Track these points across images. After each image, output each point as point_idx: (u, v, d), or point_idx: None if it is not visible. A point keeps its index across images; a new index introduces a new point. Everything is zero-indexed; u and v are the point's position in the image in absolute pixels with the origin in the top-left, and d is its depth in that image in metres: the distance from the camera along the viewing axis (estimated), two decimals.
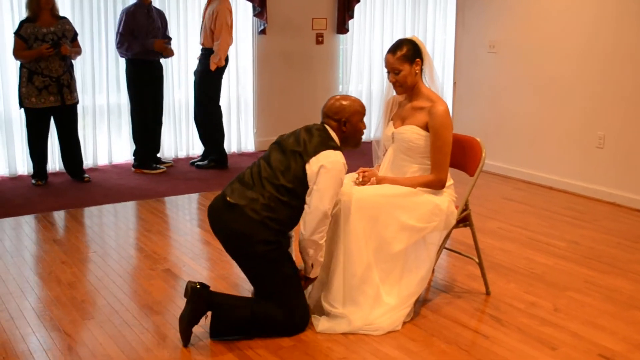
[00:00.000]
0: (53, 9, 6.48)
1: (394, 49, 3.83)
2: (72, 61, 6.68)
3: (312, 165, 3.43)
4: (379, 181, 3.78)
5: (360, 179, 3.79)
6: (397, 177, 3.83)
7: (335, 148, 3.51)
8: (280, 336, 3.53)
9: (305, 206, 3.45)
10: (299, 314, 3.56)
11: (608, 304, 4.02)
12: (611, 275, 4.47)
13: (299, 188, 3.47)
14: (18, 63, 6.55)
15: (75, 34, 6.65)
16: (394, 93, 3.99)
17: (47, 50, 6.29)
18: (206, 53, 7.23)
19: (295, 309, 3.54)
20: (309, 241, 3.43)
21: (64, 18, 6.61)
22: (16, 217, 5.68)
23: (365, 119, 3.72)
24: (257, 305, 3.55)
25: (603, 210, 5.99)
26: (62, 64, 6.48)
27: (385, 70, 3.88)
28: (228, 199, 3.51)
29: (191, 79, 7.59)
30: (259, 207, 3.44)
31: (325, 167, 3.41)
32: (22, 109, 6.58)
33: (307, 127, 3.63)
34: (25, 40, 6.35)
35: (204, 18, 7.28)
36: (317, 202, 3.40)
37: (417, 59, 3.80)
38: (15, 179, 7.00)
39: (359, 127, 3.64)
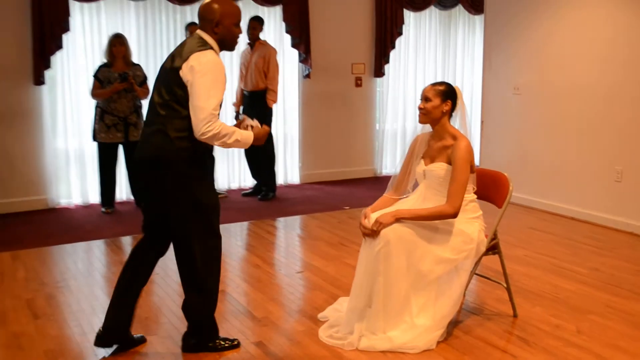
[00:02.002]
0: (126, 57, 6.66)
1: (435, 82, 3.88)
2: (141, 102, 6.83)
3: (184, 70, 3.20)
4: (396, 214, 3.65)
5: (376, 228, 3.61)
6: (411, 208, 3.74)
7: (206, 48, 3.26)
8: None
9: (192, 112, 3.19)
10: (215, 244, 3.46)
11: (628, 327, 3.93)
12: (631, 300, 4.37)
13: (185, 95, 3.22)
14: (92, 104, 6.74)
15: (145, 79, 6.80)
16: (422, 130, 4.00)
17: (119, 84, 6.50)
18: (258, 94, 7.28)
19: (214, 248, 3.45)
20: (206, 138, 3.19)
21: (137, 65, 6.79)
22: (88, 241, 5.78)
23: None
24: None
25: (622, 239, 5.88)
26: (130, 105, 6.64)
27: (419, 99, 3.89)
28: (139, 142, 3.43)
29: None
30: (164, 129, 3.25)
31: (195, 67, 3.17)
32: (95, 143, 6.78)
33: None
34: (101, 82, 6.56)
35: (248, 64, 7.33)
36: (194, 101, 3.17)
37: (449, 100, 3.80)
38: (88, 207, 7.14)
39: (233, 31, 3.36)
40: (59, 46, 6.86)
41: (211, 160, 7.40)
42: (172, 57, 3.36)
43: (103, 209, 6.86)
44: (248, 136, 3.34)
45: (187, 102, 3.22)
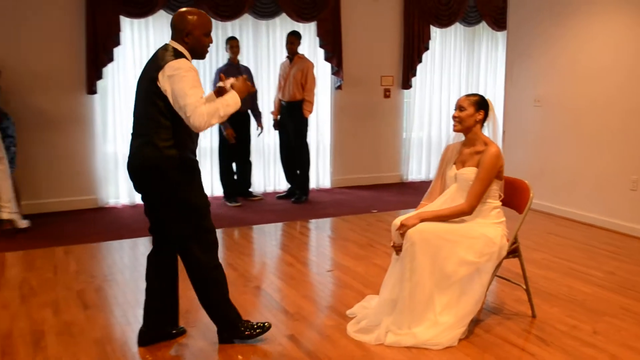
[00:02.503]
0: None
1: (469, 94, 3.89)
2: None
3: (162, 81, 3.16)
4: (419, 215, 3.68)
5: (402, 232, 3.67)
6: (431, 210, 3.76)
7: (177, 57, 3.20)
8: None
9: (181, 114, 3.14)
10: (212, 238, 3.48)
11: None
12: None
13: (166, 106, 3.20)
14: None
15: None
16: (453, 141, 4.00)
17: None
18: (295, 105, 7.33)
19: (207, 237, 3.45)
20: (204, 127, 3.13)
21: None
22: (134, 238, 5.85)
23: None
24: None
25: (637, 245, 5.76)
26: None
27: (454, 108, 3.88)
28: (130, 154, 3.41)
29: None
30: (152, 140, 3.25)
31: (172, 75, 3.13)
32: None
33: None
34: None
35: (287, 77, 7.36)
36: (179, 102, 3.11)
37: (482, 111, 3.79)
38: (134, 207, 7.22)
39: (202, 40, 3.29)
40: (110, 59, 6.97)
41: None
42: (147, 69, 3.32)
43: None
44: (233, 97, 3.29)
45: (169, 112, 3.20)
